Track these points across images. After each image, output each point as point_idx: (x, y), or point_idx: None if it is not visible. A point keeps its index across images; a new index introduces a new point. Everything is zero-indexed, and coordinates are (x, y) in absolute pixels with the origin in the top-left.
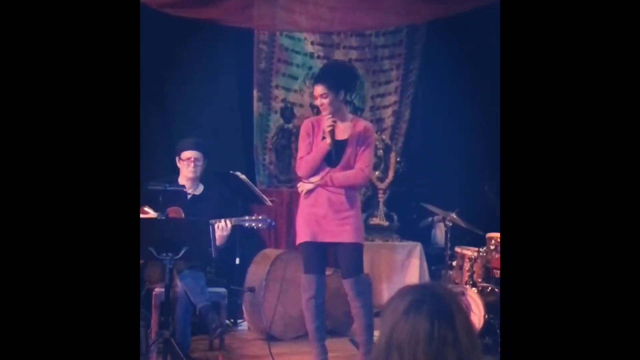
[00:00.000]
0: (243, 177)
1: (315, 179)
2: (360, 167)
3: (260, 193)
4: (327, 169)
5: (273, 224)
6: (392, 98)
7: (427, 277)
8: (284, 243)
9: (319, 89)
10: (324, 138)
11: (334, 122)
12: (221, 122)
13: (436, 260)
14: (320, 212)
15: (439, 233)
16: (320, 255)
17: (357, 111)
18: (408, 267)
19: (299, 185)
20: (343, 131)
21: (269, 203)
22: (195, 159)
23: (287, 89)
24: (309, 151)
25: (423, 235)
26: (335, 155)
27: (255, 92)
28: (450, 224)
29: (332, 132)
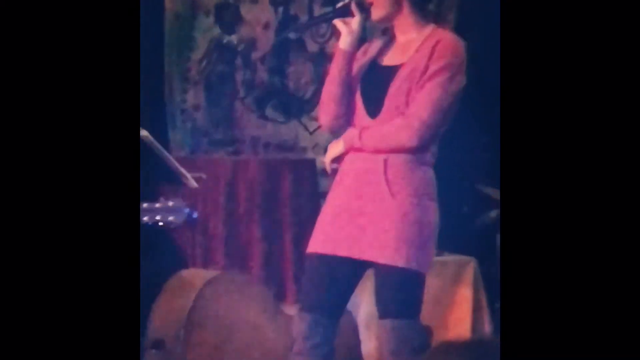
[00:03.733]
0: (145, 134)
1: (337, 145)
2: (411, 113)
3: (177, 165)
4: (366, 121)
5: (195, 215)
6: None
7: (486, 324)
8: (220, 256)
9: None
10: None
11: (346, 21)
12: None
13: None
14: (343, 200)
15: None
16: (335, 280)
17: None
18: (453, 302)
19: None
20: (399, 52)
21: (193, 184)
22: None
23: None
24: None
25: (481, 244)
26: (373, 93)
27: None
28: None
29: (352, 39)
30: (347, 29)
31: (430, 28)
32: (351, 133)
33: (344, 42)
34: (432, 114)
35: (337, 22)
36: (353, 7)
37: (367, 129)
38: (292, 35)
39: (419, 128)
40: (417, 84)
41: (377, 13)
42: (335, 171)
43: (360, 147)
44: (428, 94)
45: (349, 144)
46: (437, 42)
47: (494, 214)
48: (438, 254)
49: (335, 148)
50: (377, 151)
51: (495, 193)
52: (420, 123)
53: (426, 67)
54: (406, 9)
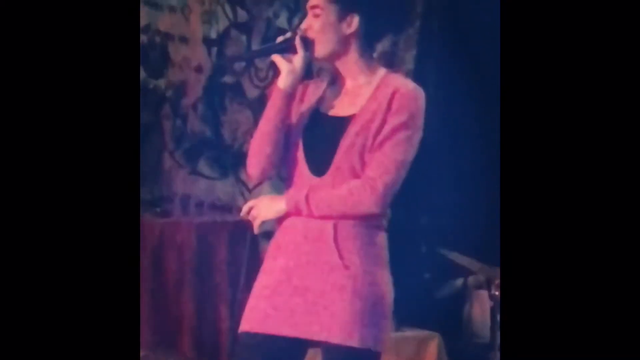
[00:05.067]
0: None
1: (275, 204)
2: (373, 176)
3: None
4: (309, 180)
5: None
6: None
7: None
8: (145, 332)
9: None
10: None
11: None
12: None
13: None
14: (283, 270)
15: (479, 312)
16: None
17: None
18: None
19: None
20: (347, 100)
21: None
22: None
23: (155, 6)
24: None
25: (445, 317)
26: (318, 148)
27: None
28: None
29: (291, 72)
30: (288, 67)
31: (381, 73)
32: (295, 195)
33: (284, 81)
34: (395, 175)
35: (277, 59)
36: (297, 42)
37: (316, 192)
38: (228, 79)
39: (384, 193)
40: (374, 140)
41: (320, 50)
42: (267, 234)
43: (307, 213)
44: (390, 154)
45: (292, 207)
46: (395, 92)
47: (459, 282)
48: (396, 329)
49: (272, 208)
50: (327, 217)
51: (461, 259)
52: (384, 187)
53: (383, 121)
54: (353, 48)
